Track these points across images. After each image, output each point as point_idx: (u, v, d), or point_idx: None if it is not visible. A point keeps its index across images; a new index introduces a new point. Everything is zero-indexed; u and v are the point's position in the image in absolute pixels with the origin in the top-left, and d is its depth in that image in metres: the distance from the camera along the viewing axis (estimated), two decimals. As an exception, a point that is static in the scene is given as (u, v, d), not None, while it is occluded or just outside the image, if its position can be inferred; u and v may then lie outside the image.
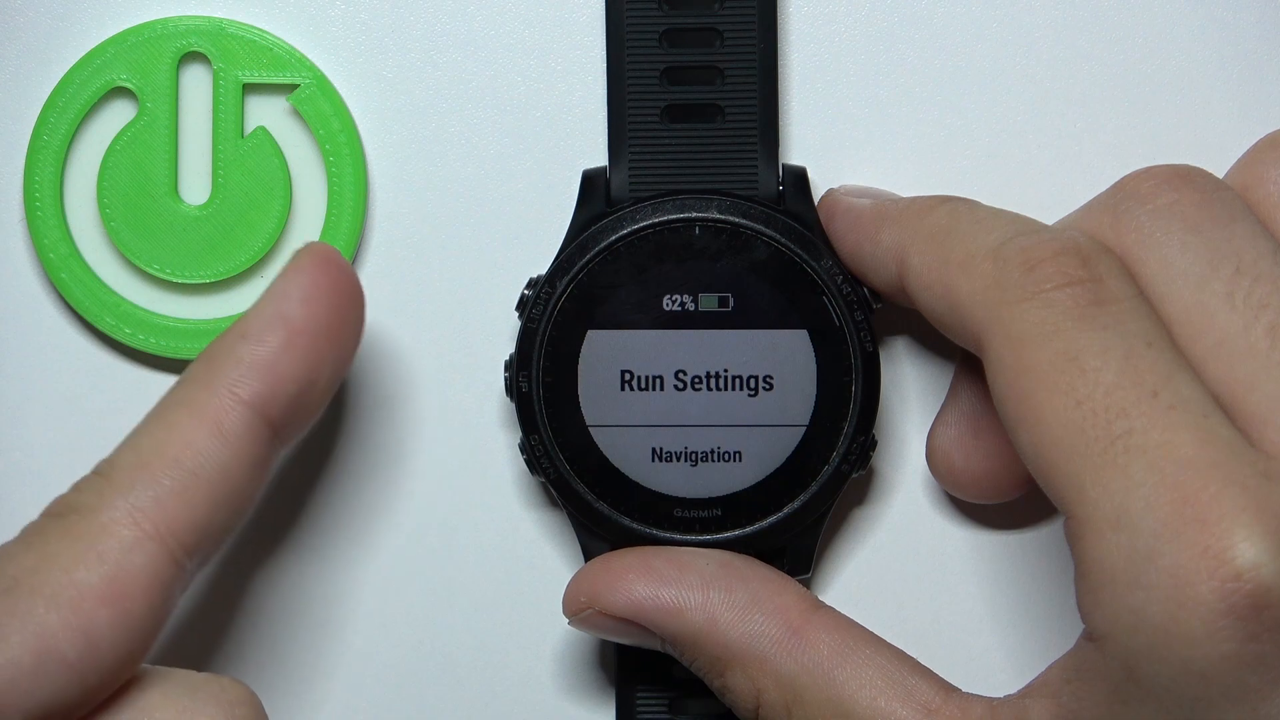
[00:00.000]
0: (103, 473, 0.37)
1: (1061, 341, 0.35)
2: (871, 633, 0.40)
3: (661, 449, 0.41)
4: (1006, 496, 0.42)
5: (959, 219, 0.38)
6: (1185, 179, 0.38)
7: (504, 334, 0.44)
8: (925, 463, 0.43)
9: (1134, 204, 0.37)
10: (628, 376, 0.41)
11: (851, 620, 0.40)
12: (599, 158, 0.43)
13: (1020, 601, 0.44)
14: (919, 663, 0.39)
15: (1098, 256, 0.36)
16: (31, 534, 0.36)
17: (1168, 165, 0.38)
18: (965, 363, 0.42)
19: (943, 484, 0.43)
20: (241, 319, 0.38)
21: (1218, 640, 0.33)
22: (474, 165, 0.44)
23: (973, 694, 0.38)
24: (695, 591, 0.40)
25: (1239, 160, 0.40)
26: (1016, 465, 0.40)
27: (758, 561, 0.41)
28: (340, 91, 0.43)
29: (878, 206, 0.40)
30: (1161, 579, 0.33)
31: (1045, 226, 0.38)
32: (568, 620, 0.41)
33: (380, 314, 0.44)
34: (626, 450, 0.41)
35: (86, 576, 0.35)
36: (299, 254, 0.39)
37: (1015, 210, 0.39)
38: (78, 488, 0.37)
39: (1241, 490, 0.33)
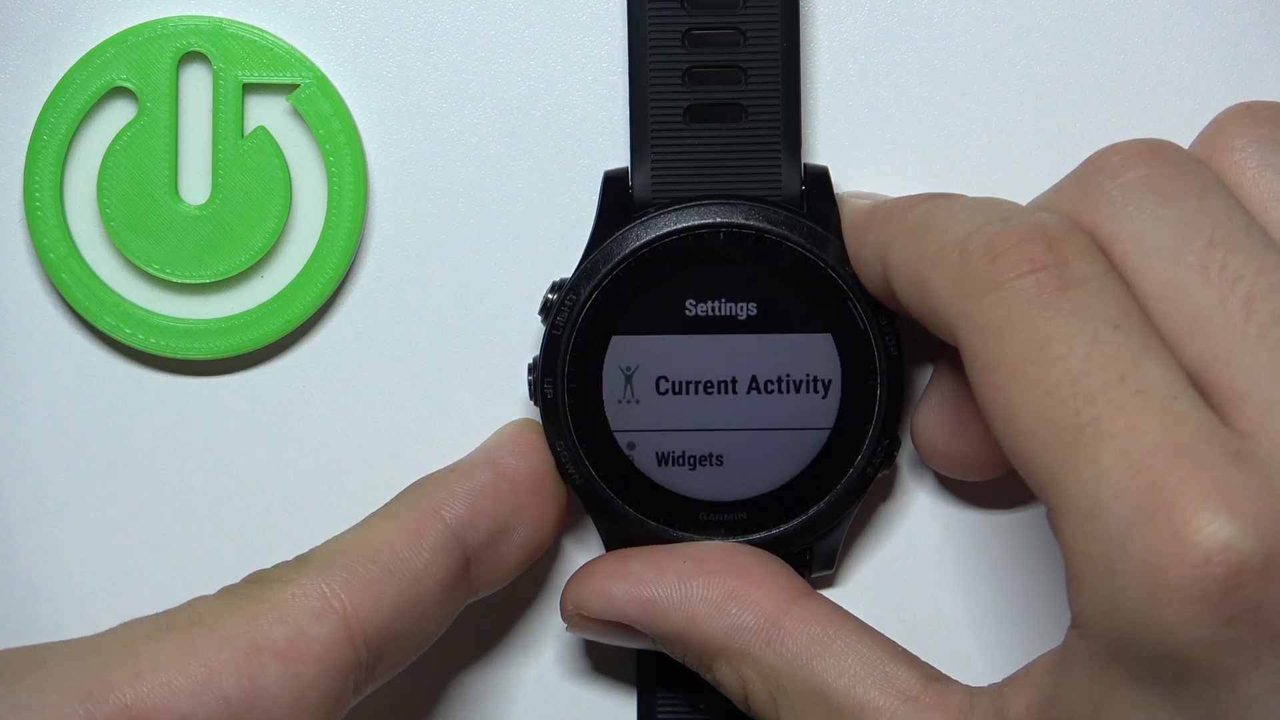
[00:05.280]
0: (302, 557, 0.39)
1: (1028, 331, 0.35)
2: (855, 620, 0.40)
3: (687, 454, 0.41)
4: (990, 475, 0.42)
5: (934, 214, 0.38)
6: (1155, 152, 0.37)
7: (506, 334, 0.44)
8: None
9: (1103, 179, 0.37)
10: (653, 382, 0.41)
11: (835, 608, 0.40)
12: (598, 156, 0.43)
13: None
14: (902, 650, 0.39)
15: (1064, 237, 0.36)
16: (226, 590, 0.38)
17: (1137, 139, 0.37)
18: (947, 349, 0.42)
19: (929, 464, 0.43)
20: (457, 461, 0.41)
21: (1192, 626, 0.32)
22: (474, 165, 0.44)
23: (956, 682, 0.38)
24: (673, 589, 0.40)
25: (1204, 130, 0.39)
26: (997, 449, 0.41)
27: (741, 549, 0.41)
28: (340, 91, 0.43)
29: (871, 208, 0.40)
30: (1134, 566, 0.33)
31: (1015, 211, 0.37)
32: (566, 628, 0.41)
33: (380, 315, 0.44)
34: (652, 455, 0.41)
35: (266, 630, 0.37)
36: (512, 424, 0.42)
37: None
38: (277, 566, 0.39)
39: (1210, 472, 0.33)
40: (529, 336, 0.44)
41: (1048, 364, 0.34)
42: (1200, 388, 0.34)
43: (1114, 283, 0.35)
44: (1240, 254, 0.35)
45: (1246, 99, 0.43)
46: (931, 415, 0.42)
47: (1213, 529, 0.32)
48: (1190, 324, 0.35)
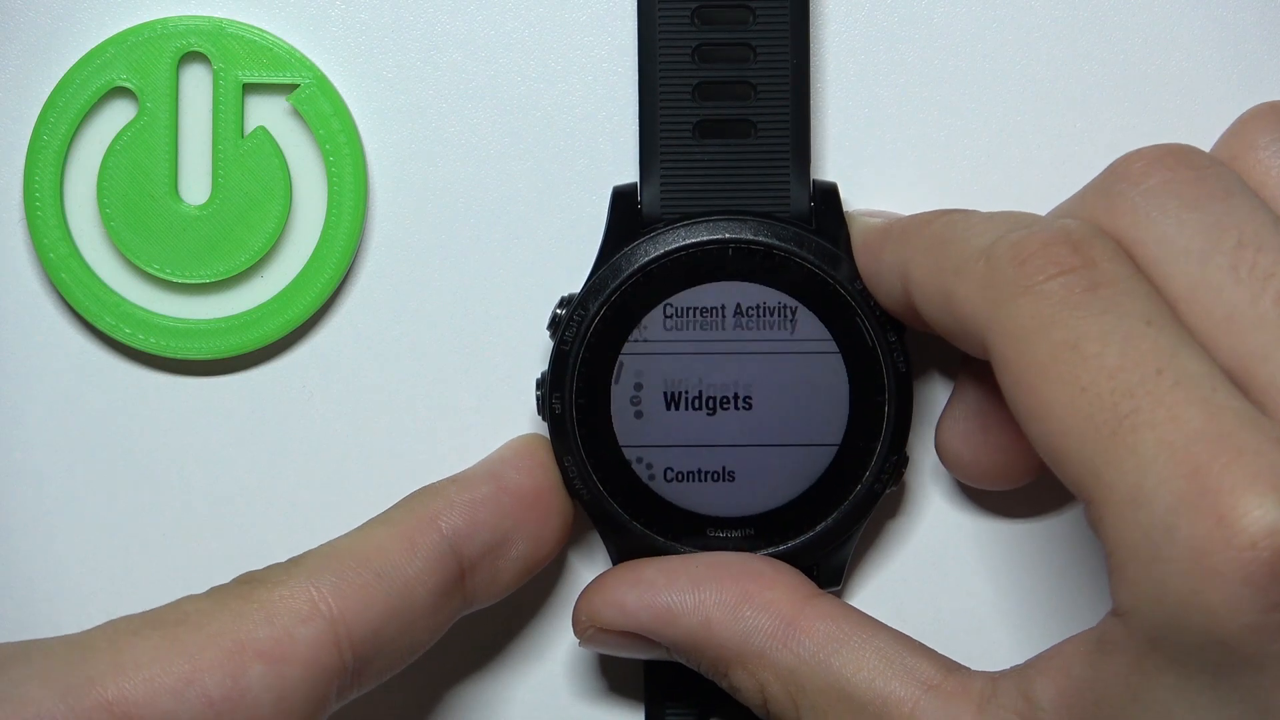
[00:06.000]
0: (294, 560, 0.39)
1: (1060, 331, 0.35)
2: (869, 617, 0.40)
3: (695, 469, 0.41)
4: (1016, 484, 0.42)
5: (954, 226, 0.38)
6: (1177, 157, 0.37)
7: (505, 334, 0.44)
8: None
9: (1126, 186, 0.37)
10: (661, 397, 0.41)
11: (848, 606, 0.40)
12: (597, 155, 0.43)
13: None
14: (919, 643, 0.39)
15: (1089, 241, 0.36)
16: (215, 590, 0.38)
17: (1158, 145, 0.38)
18: (970, 360, 0.42)
19: (952, 473, 0.43)
20: (459, 472, 0.41)
21: (1238, 611, 0.32)
22: (474, 165, 0.44)
23: (975, 670, 0.38)
24: (686, 595, 0.40)
25: (1227, 130, 0.39)
26: (1023, 456, 0.41)
27: (752, 555, 0.41)
28: (340, 91, 0.43)
29: (884, 226, 0.40)
30: (1180, 552, 0.33)
31: (1037, 219, 0.37)
32: (579, 644, 0.41)
33: (380, 315, 0.44)
34: (660, 471, 0.41)
35: (251, 630, 0.37)
36: (519, 438, 0.42)
37: None
38: (268, 568, 0.39)
39: (1254, 458, 0.32)
40: (528, 337, 0.44)
41: (1082, 362, 0.34)
42: (1237, 384, 0.34)
43: (1142, 282, 0.35)
44: (1269, 252, 0.35)
45: (1247, 99, 0.43)
46: (956, 426, 0.42)
47: (1259, 513, 0.32)
48: (1224, 323, 0.35)
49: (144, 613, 0.38)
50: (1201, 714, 0.34)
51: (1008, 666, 0.38)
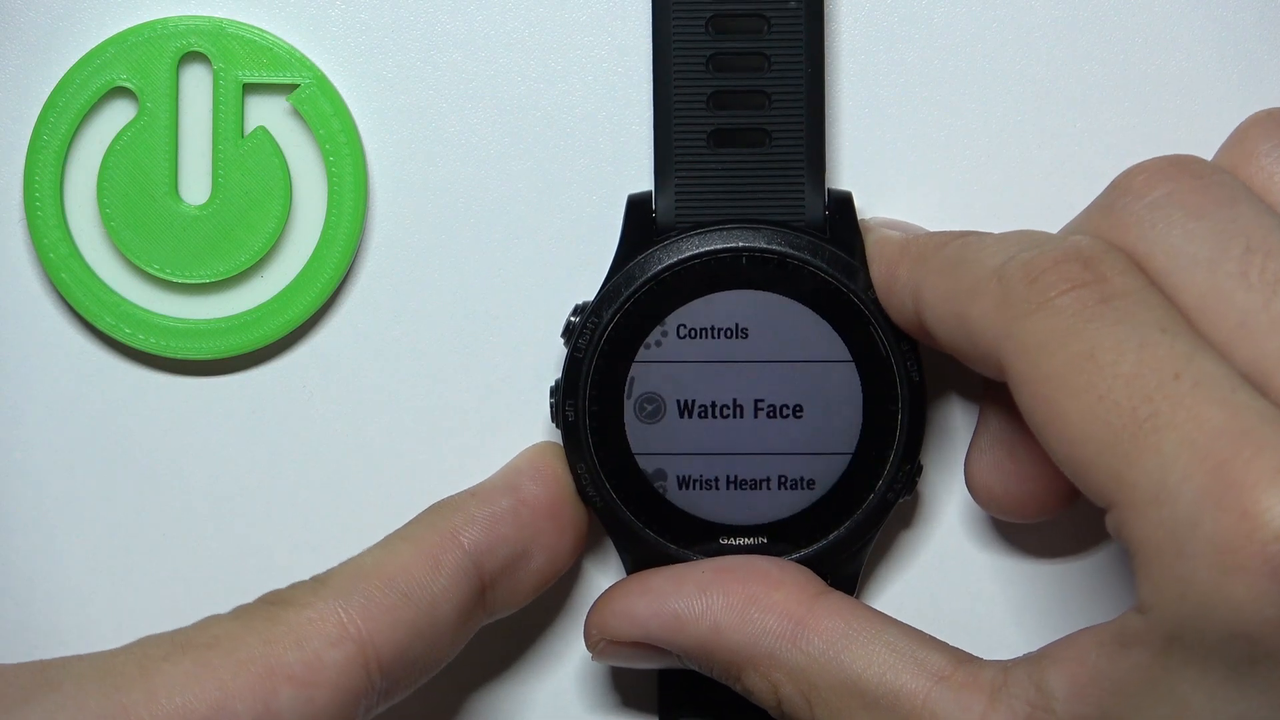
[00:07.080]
0: (319, 579, 0.39)
1: (1075, 342, 0.35)
2: (878, 612, 0.40)
3: (707, 477, 0.41)
4: (1049, 514, 0.42)
5: (966, 249, 0.38)
6: (1179, 167, 0.37)
7: (505, 334, 0.44)
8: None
9: (1130, 200, 0.37)
10: (674, 405, 0.41)
11: (856, 602, 0.40)
12: (596, 154, 0.43)
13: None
14: (929, 636, 0.39)
15: (1100, 256, 0.36)
16: (241, 610, 0.38)
17: (1160, 157, 0.38)
18: (991, 389, 0.42)
19: (985, 508, 0.43)
20: (477, 485, 0.41)
21: (1262, 605, 0.32)
22: (474, 165, 0.44)
23: (986, 660, 0.38)
24: (694, 601, 0.40)
25: (1227, 139, 0.39)
26: (1055, 483, 0.41)
27: (758, 557, 0.41)
28: (340, 91, 0.43)
29: (901, 243, 0.40)
30: (1204, 547, 0.33)
31: (1049, 238, 0.37)
32: (592, 657, 0.41)
33: (380, 315, 0.44)
34: (673, 478, 0.41)
35: (281, 654, 0.37)
36: (533, 448, 0.42)
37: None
38: (293, 586, 0.39)
39: (1276, 453, 0.33)
40: (528, 337, 0.44)
41: (1098, 370, 0.34)
42: (1255, 388, 0.34)
43: (1155, 293, 0.36)
44: (1278, 256, 0.35)
45: (1247, 100, 0.43)
46: (984, 458, 0.42)
47: None
48: (1238, 330, 0.35)
49: (171, 634, 0.38)
50: (1221, 706, 0.34)
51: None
